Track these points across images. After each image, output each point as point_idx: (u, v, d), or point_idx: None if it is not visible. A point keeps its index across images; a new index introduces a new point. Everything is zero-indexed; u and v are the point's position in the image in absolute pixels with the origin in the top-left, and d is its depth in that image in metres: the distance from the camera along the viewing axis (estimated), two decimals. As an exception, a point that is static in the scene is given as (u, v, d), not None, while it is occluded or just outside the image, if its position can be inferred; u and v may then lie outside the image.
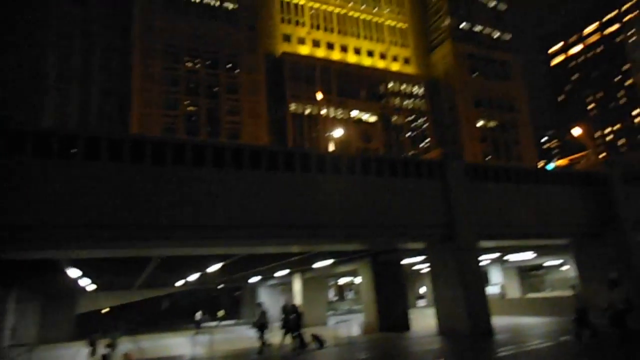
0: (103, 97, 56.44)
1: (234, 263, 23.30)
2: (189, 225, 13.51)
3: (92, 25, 57.27)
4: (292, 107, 59.32)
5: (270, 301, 36.35)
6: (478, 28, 73.80)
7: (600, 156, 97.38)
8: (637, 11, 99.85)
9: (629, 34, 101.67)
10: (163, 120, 51.63)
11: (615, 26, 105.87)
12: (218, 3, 57.07)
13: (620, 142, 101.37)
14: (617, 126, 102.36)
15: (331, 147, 45.07)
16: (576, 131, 50.40)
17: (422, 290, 46.07)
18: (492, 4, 76.59)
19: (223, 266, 24.82)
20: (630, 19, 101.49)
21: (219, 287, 42.89)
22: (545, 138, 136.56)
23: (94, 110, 55.63)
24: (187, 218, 13.38)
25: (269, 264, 26.04)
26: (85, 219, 12.17)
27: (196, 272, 28.97)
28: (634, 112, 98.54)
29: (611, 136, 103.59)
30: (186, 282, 35.61)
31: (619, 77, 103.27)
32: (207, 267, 25.45)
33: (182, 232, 13.76)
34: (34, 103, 50.73)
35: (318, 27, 66.46)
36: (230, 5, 57.59)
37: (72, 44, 55.92)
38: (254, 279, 37.62)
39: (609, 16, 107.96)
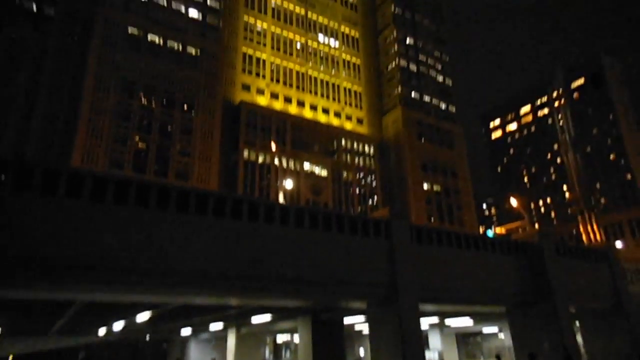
0: (46, 123, 53.47)
1: (165, 313, 21.65)
2: (124, 268, 12.49)
3: (46, 52, 55.33)
4: (245, 153, 59.18)
5: (201, 357, 33.83)
6: (427, 98, 79.32)
7: (535, 227, 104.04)
8: (562, 99, 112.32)
9: (557, 118, 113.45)
10: (110, 153, 49.39)
11: (546, 110, 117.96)
12: (181, 47, 57.52)
13: (552, 214, 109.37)
14: (549, 200, 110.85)
15: (281, 198, 44.92)
16: (513, 201, 53.83)
17: (362, 352, 44.94)
18: (439, 79, 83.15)
19: (153, 315, 22.98)
20: (558, 106, 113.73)
21: (146, 338, 39.49)
22: (485, 206, 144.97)
23: (35, 136, 52.33)
24: (122, 261, 12.39)
25: (203, 316, 24.46)
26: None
27: (122, 319, 26.59)
28: (564, 188, 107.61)
29: (543, 209, 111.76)
30: (110, 331, 32.50)
31: (550, 155, 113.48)
32: (135, 315, 23.45)
33: (111, 275, 12.65)
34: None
35: (278, 81, 68.40)
36: (193, 51, 58.20)
37: (19, 67, 53.39)
38: (185, 332, 35.06)
39: (540, 100, 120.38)
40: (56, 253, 11.51)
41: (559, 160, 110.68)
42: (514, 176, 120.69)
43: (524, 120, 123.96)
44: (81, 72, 53.60)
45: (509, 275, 21.87)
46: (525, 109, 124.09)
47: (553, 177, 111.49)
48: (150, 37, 55.68)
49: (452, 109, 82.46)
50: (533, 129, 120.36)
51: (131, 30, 54.63)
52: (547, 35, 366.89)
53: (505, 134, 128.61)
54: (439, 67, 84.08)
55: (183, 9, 59.20)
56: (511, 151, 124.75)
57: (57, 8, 56.48)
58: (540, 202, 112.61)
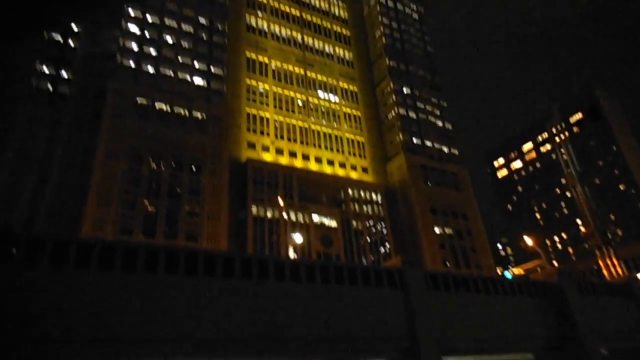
0: (58, 193, 54.61)
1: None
2: (135, 339, 12.22)
3: (59, 125, 57.70)
4: (254, 210, 59.42)
5: None
6: (429, 143, 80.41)
7: (554, 264, 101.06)
8: (563, 134, 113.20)
9: (560, 153, 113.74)
10: (119, 219, 49.85)
11: (548, 146, 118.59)
12: (187, 112, 59.73)
13: (570, 250, 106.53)
14: (564, 235, 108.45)
15: (291, 252, 44.49)
16: (527, 240, 52.74)
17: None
18: (439, 123, 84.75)
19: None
20: (560, 141, 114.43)
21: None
22: (500, 246, 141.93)
23: (47, 206, 53.28)
24: (131, 330, 12.15)
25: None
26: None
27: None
28: (578, 222, 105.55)
29: (560, 245, 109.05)
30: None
31: (558, 190, 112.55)
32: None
33: (119, 348, 12.35)
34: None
35: (282, 137, 70.10)
36: (199, 115, 60.35)
37: (35, 140, 55.50)
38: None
39: (541, 137, 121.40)
40: (56, 326, 11.33)
41: (568, 194, 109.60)
42: (525, 213, 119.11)
43: (528, 158, 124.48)
44: (93, 142, 55.48)
45: (533, 318, 21.00)
46: (528, 146, 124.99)
47: (565, 212, 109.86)
48: (157, 105, 58.03)
49: (455, 151, 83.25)
50: (538, 165, 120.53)
51: (140, 100, 57.08)
52: (540, 73, 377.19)
53: (511, 172, 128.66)
54: (438, 112, 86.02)
55: (188, 78, 62.10)
56: (519, 189, 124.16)
57: (71, 86, 59.56)
58: (556, 239, 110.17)
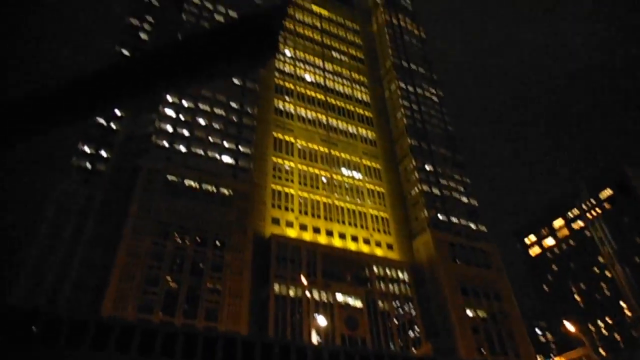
0: (84, 270, 55.22)
1: None
2: None
3: (92, 200, 60.11)
4: (276, 288, 58.01)
5: None
6: (455, 219, 78.95)
7: (602, 353, 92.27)
8: (594, 210, 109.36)
9: (594, 229, 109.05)
10: (141, 296, 49.39)
11: (580, 222, 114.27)
12: (215, 189, 61.49)
13: (617, 337, 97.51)
14: (609, 319, 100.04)
15: (314, 335, 42.36)
16: (569, 326, 48.81)
17: None
18: (464, 200, 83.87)
19: None
20: (592, 217, 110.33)
21: None
22: (539, 331, 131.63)
23: (71, 280, 53.66)
24: None
25: None
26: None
27: None
28: (622, 305, 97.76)
29: (605, 332, 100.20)
30: None
31: (597, 269, 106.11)
32: None
33: None
34: (13, 263, 49.40)
35: (306, 213, 70.50)
36: (226, 191, 61.97)
37: (68, 215, 57.60)
38: None
39: (572, 213, 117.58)
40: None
41: (608, 274, 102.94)
42: (563, 295, 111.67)
43: (560, 234, 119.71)
44: (122, 218, 57.12)
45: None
46: (559, 222, 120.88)
47: (607, 293, 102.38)
48: (187, 182, 60.16)
49: (483, 228, 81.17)
50: (572, 242, 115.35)
51: (170, 177, 59.43)
52: (565, 148, 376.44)
53: (544, 250, 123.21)
54: (462, 189, 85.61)
55: (218, 156, 64.86)
56: (554, 268, 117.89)
57: (107, 163, 62.99)
58: (600, 324, 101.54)
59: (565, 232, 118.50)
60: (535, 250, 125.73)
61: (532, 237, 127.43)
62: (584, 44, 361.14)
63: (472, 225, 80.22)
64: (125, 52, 73.02)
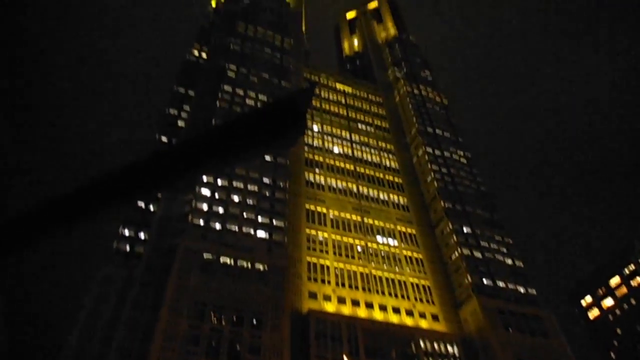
0: (121, 354, 54.50)
1: None
2: None
3: (130, 283, 60.95)
4: (318, 369, 54.86)
5: None
6: (501, 284, 74.41)
7: None
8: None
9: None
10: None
11: (639, 279, 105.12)
12: (250, 265, 61.38)
13: None
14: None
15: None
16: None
17: None
18: (508, 262, 79.55)
19: None
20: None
21: None
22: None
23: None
24: None
25: None
26: None
27: None
28: None
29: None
30: None
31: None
32: None
33: None
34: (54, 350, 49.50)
35: (343, 285, 68.50)
36: (261, 267, 61.67)
37: (107, 300, 58.32)
38: None
39: (627, 269, 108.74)
40: None
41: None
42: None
43: (619, 293, 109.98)
44: (159, 301, 57.23)
45: None
46: (615, 280, 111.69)
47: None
48: (222, 259, 60.44)
49: (532, 291, 75.83)
50: (633, 301, 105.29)
51: (206, 255, 59.99)
52: (608, 200, 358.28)
53: (603, 312, 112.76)
54: (504, 249, 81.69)
55: (252, 231, 65.53)
56: (619, 331, 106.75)
57: (145, 245, 64.74)
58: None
59: (624, 290, 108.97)
60: (594, 313, 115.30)
61: (589, 299, 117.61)
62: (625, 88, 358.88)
63: (521, 289, 75.19)
64: (164, 139, 78.32)
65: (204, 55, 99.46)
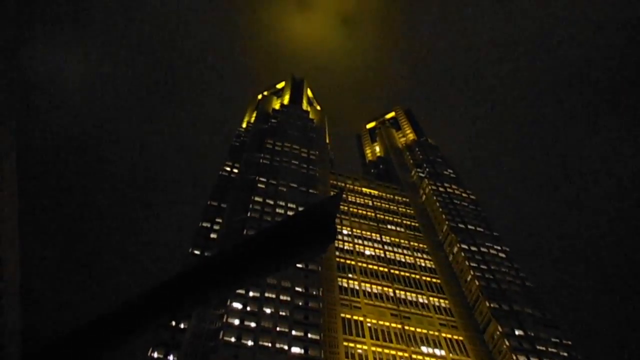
0: None
1: None
2: None
3: None
4: None
5: None
6: None
7: None
8: None
9: None
10: None
11: None
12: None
13: None
14: None
15: None
16: None
17: None
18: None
19: None
20: None
21: None
22: None
23: None
24: None
25: None
26: None
27: None
28: None
29: None
30: None
31: None
32: None
33: None
34: None
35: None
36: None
37: None
38: None
39: None
40: None
41: None
42: None
43: None
44: None
45: None
46: None
47: None
48: (255, 380, 56.34)
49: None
50: None
51: (239, 377, 56.20)
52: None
53: None
54: (564, 353, 73.11)
55: (286, 347, 61.86)
56: None
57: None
58: None
59: None
60: None
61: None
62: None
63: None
64: (197, 252, 79.52)
65: (235, 170, 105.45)
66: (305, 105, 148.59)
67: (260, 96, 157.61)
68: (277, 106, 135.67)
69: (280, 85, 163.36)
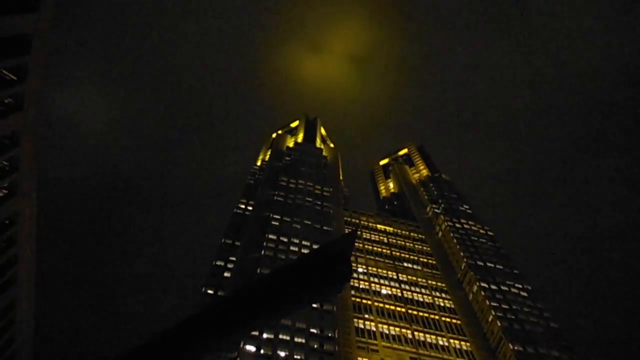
0: None
1: None
2: None
3: None
4: None
5: None
6: None
7: None
8: None
9: None
10: None
11: None
12: None
13: None
14: None
15: None
16: None
17: None
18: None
19: None
20: None
21: None
22: None
23: None
24: None
25: None
26: None
27: None
28: None
29: None
30: None
31: None
32: None
33: None
34: None
35: None
36: None
37: None
38: None
39: None
40: None
41: None
42: None
43: None
44: None
45: None
46: None
47: None
48: None
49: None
50: None
51: None
52: None
53: None
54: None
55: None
56: None
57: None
58: None
59: None
60: None
61: None
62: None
63: None
64: (210, 292, 78.55)
65: (250, 208, 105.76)
66: (318, 143, 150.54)
67: (274, 135, 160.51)
68: (291, 144, 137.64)
69: (294, 124, 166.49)
